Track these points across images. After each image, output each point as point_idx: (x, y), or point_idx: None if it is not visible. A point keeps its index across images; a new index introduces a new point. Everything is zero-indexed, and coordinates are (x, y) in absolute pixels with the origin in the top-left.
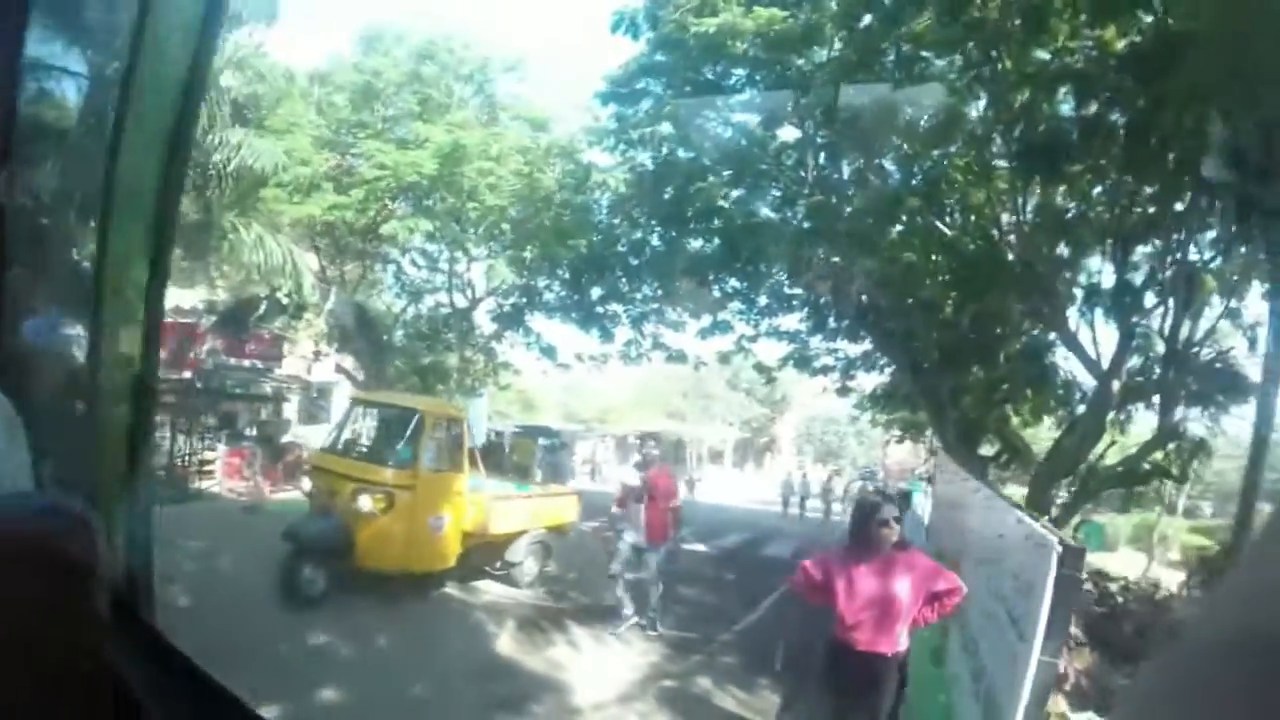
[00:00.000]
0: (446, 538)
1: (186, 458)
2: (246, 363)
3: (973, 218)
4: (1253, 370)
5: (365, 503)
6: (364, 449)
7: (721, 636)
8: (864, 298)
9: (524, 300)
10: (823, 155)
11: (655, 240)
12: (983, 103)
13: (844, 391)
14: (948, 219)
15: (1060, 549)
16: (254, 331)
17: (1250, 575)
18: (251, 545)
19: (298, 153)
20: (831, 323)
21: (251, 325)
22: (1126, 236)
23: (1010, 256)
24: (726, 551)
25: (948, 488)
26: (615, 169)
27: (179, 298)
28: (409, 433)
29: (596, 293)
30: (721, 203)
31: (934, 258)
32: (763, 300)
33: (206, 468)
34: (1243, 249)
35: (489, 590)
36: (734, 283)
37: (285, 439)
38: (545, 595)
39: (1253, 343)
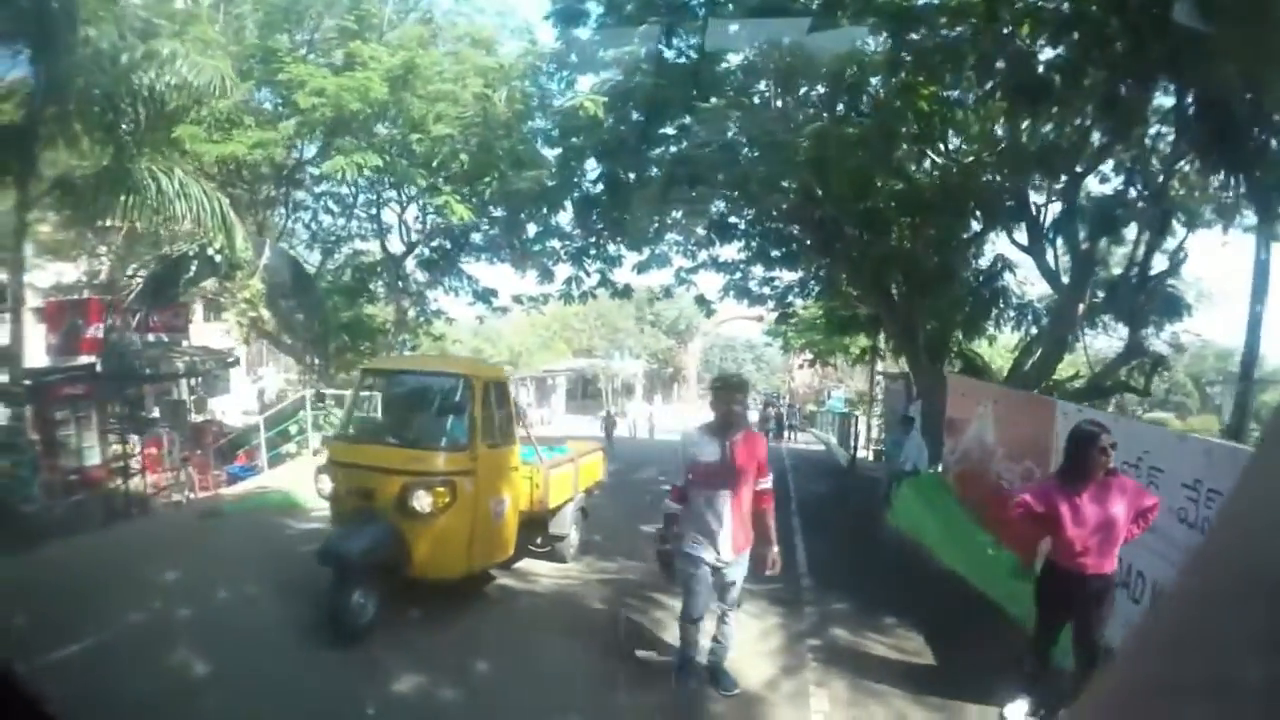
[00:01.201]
0: (508, 523)
1: (114, 460)
2: (151, 337)
3: (941, 147)
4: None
5: (424, 500)
6: (401, 432)
7: (803, 583)
8: (826, 227)
9: (448, 244)
10: (778, 83)
11: (606, 170)
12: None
13: (783, 319)
14: (905, 148)
15: None
16: (181, 298)
17: (1232, 524)
18: (241, 566)
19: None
20: (772, 252)
21: (181, 290)
22: (1088, 168)
23: (981, 183)
24: None
25: (980, 410)
26: (585, 94)
27: (61, 270)
28: (458, 404)
29: (533, 229)
30: (671, 130)
31: (899, 186)
32: (701, 231)
33: (124, 464)
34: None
35: (540, 572)
36: (674, 214)
37: (201, 418)
38: (600, 568)
39: (1176, 267)
